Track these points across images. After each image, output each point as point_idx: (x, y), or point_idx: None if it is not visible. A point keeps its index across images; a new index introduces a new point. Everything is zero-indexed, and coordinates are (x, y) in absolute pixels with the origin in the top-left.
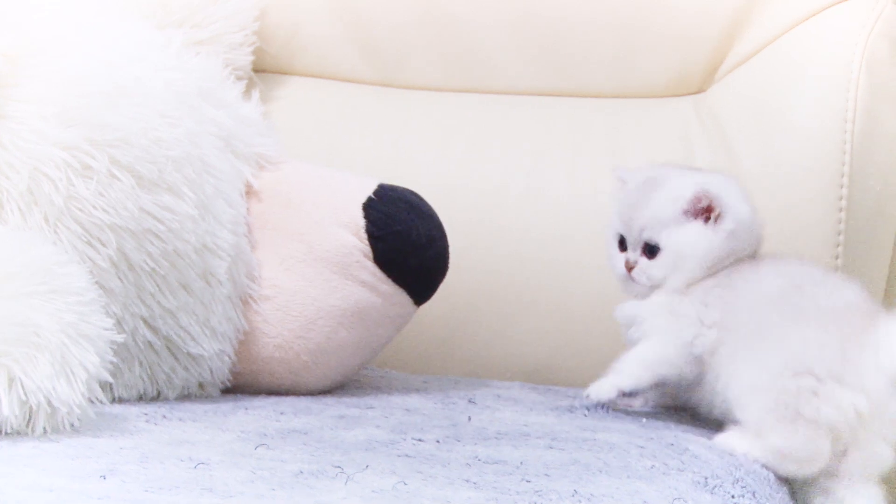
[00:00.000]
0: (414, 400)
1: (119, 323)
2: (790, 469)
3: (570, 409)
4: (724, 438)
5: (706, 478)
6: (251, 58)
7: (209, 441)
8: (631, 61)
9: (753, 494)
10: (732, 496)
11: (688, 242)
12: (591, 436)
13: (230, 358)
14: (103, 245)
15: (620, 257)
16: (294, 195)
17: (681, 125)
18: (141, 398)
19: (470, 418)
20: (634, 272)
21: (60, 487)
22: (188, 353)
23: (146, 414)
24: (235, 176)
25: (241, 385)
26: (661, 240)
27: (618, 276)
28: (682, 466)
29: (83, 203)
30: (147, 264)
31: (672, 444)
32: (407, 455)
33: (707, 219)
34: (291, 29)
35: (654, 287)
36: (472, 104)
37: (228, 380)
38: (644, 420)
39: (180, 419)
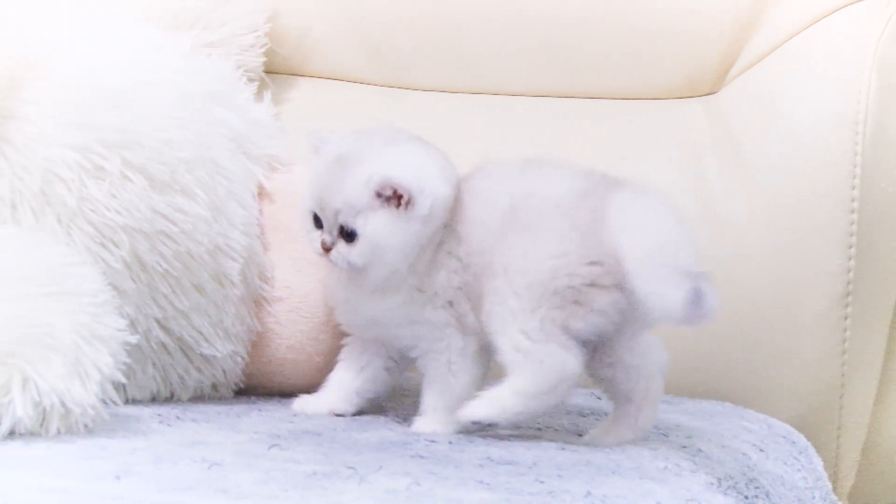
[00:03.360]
0: None
1: (132, 324)
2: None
3: (583, 410)
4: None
5: (719, 479)
6: (263, 59)
7: (222, 442)
8: (640, 63)
9: (767, 495)
10: (746, 497)
11: (383, 233)
12: None
13: (243, 359)
14: (116, 246)
15: (316, 235)
16: None
17: (690, 127)
18: (154, 399)
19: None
20: (333, 256)
21: (74, 489)
22: (201, 355)
23: (159, 415)
24: (247, 177)
25: (254, 386)
26: (358, 226)
27: (315, 253)
28: (694, 467)
29: (96, 204)
30: (160, 266)
31: (685, 446)
32: (420, 456)
33: (399, 204)
34: (302, 31)
35: (356, 272)
36: (479, 106)
37: (241, 381)
38: None
39: (193, 420)
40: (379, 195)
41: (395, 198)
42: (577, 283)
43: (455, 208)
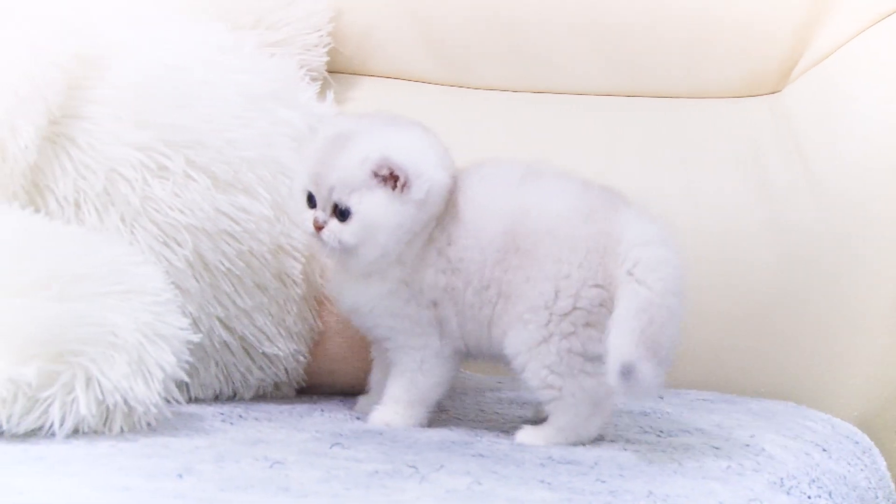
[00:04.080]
0: (489, 401)
1: (195, 323)
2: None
3: (645, 410)
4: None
5: (782, 478)
6: (326, 59)
7: (284, 440)
8: (702, 61)
9: (830, 494)
10: (808, 497)
11: (377, 212)
12: (666, 437)
13: (305, 358)
14: (179, 245)
15: (309, 214)
16: None
17: (753, 126)
18: (217, 398)
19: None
20: (324, 234)
21: (136, 487)
22: (263, 354)
23: (222, 413)
24: None
25: (316, 385)
26: (352, 204)
27: (305, 234)
28: (757, 467)
29: (159, 203)
30: (223, 265)
31: (748, 445)
32: (481, 455)
33: (395, 186)
34: (365, 30)
35: (348, 253)
36: (542, 104)
37: (303, 380)
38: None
39: (256, 419)
40: (375, 174)
41: (391, 179)
42: (585, 304)
43: (449, 205)
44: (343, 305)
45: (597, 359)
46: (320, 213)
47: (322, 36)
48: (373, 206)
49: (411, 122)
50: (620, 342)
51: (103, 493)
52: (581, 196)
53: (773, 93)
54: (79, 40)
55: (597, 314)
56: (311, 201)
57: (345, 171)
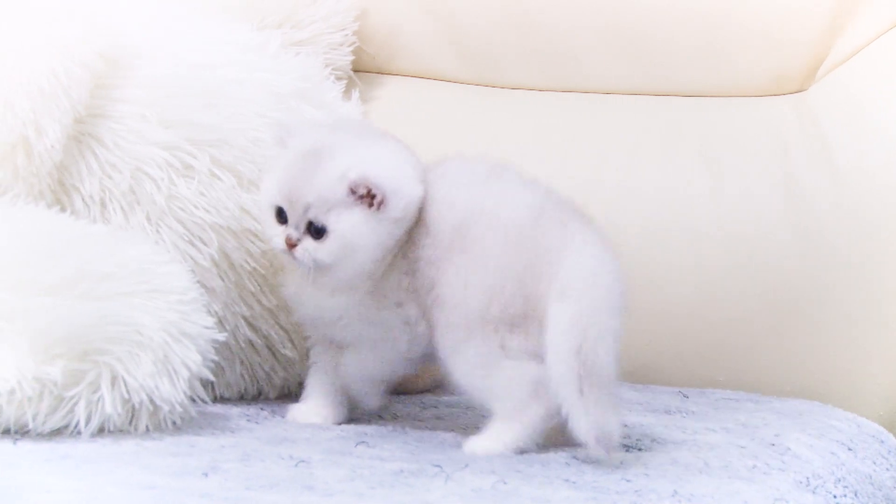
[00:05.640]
0: None
1: (220, 322)
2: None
3: (670, 409)
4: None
5: (808, 477)
6: (351, 58)
7: (309, 439)
8: (726, 60)
9: (855, 494)
10: (834, 496)
11: (355, 232)
12: (692, 436)
13: None
14: (204, 244)
15: (279, 231)
16: None
17: (778, 125)
18: (242, 397)
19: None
20: (298, 252)
21: (162, 485)
22: (287, 353)
23: (247, 413)
24: None
25: None
26: (329, 223)
27: (276, 250)
28: (783, 466)
29: (185, 202)
30: (248, 264)
31: (773, 444)
32: (506, 454)
33: (371, 204)
34: (390, 29)
35: (321, 271)
36: (566, 103)
37: None
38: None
39: (281, 418)
40: (353, 192)
41: (367, 197)
42: (510, 311)
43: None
44: (302, 312)
45: (517, 353)
46: (293, 231)
47: (347, 35)
48: (350, 225)
49: (382, 134)
50: (565, 388)
51: (129, 491)
52: (532, 206)
53: (797, 92)
54: (105, 39)
55: (521, 321)
56: (281, 216)
57: (322, 187)
